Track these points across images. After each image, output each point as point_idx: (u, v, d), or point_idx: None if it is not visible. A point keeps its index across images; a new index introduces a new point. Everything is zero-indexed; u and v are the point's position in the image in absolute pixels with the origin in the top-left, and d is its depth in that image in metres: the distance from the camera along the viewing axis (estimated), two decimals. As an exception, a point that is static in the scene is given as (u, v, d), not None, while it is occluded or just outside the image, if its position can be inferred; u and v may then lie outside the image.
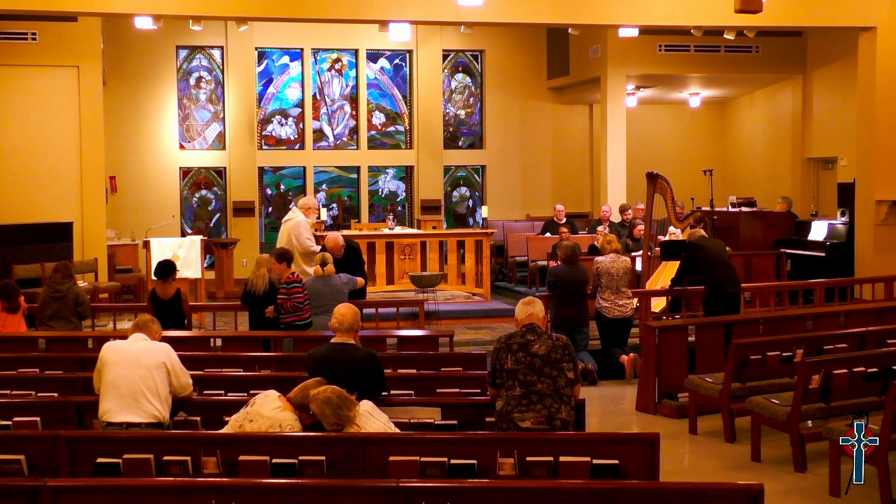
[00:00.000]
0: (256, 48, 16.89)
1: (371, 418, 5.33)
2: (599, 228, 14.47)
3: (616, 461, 4.97)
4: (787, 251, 14.16)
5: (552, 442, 5.12)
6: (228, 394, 6.63)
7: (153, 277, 9.92)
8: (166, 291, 9.33)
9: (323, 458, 5.02)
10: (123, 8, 11.41)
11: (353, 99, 17.60)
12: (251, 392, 6.63)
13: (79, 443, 5.22)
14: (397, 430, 5.42)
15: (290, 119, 17.43)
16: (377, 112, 17.75)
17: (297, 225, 10.95)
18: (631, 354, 9.87)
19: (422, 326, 11.02)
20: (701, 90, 17.65)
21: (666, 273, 11.92)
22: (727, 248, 10.68)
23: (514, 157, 18.15)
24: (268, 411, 5.34)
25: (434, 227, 15.53)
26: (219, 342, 9.12)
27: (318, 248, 10.64)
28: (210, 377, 7.02)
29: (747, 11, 9.56)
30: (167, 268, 9.40)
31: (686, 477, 6.91)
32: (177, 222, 16.51)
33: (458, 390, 6.56)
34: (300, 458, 5.02)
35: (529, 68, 18.05)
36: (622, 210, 14.79)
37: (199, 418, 6.08)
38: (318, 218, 11.20)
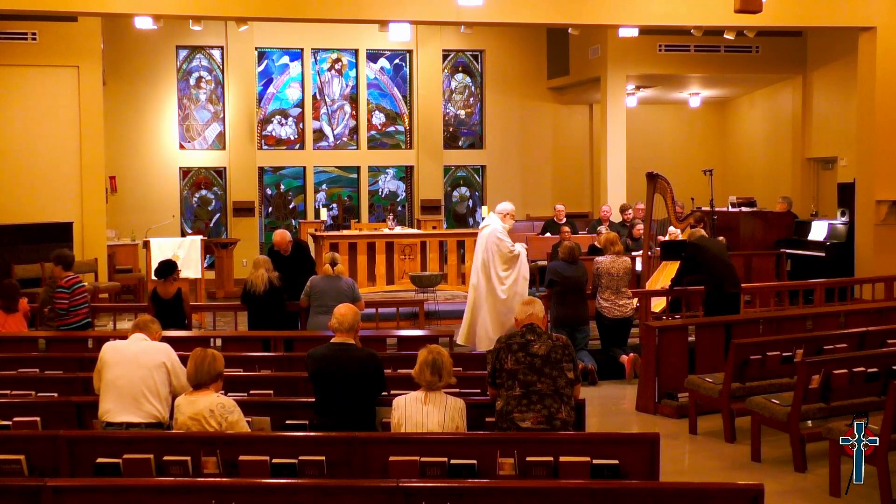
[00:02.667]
0: (256, 48, 16.89)
1: (445, 408, 5.42)
2: (600, 228, 14.45)
3: (616, 461, 4.97)
4: (787, 251, 14.15)
5: (552, 442, 5.12)
6: (228, 394, 6.61)
7: (154, 277, 9.91)
8: (167, 291, 9.32)
9: (323, 458, 5.03)
10: (123, 8, 11.40)
11: (353, 99, 17.60)
12: (251, 392, 6.65)
13: (79, 443, 5.22)
14: (462, 429, 5.47)
15: (290, 119, 17.43)
16: (377, 112, 17.76)
17: (494, 232, 10.69)
18: (631, 354, 9.87)
19: (422, 326, 11.02)
20: (701, 90, 17.65)
21: (666, 273, 11.91)
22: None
23: (514, 157, 18.15)
24: (190, 413, 5.38)
25: (434, 227, 15.53)
26: (219, 342, 9.12)
27: (517, 251, 10.36)
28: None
29: (747, 11, 9.56)
30: (167, 267, 9.39)
31: (686, 477, 6.90)
32: (177, 222, 16.51)
33: (458, 390, 6.55)
34: (300, 458, 5.02)
35: (529, 68, 18.05)
36: (622, 210, 14.78)
37: (199, 418, 6.07)
38: (513, 221, 11.02)
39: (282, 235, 10.35)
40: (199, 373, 5.46)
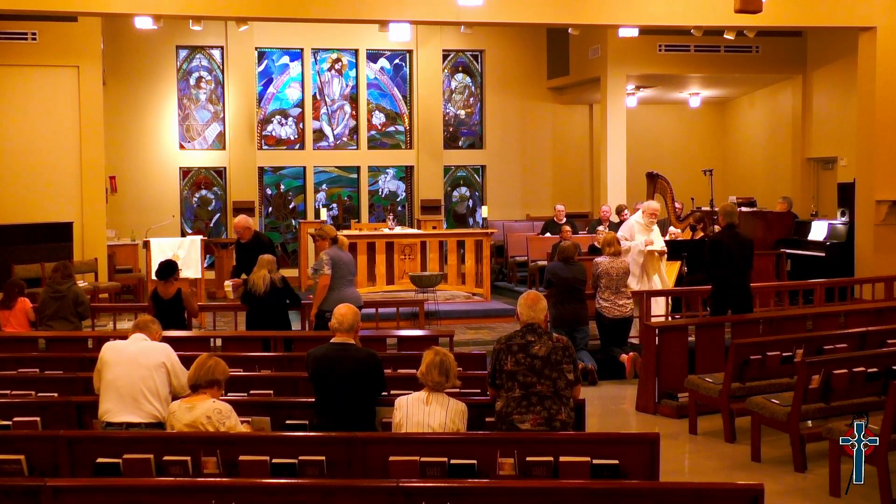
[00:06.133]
0: (256, 48, 16.89)
1: (447, 409, 5.44)
2: (599, 228, 14.46)
3: (616, 461, 4.97)
4: (787, 251, 14.15)
5: (552, 442, 5.12)
6: (228, 394, 6.61)
7: (153, 277, 9.94)
8: (167, 291, 9.37)
9: (323, 458, 5.02)
10: (123, 8, 11.41)
11: (353, 99, 17.60)
12: (251, 392, 6.65)
13: (79, 443, 5.22)
14: (463, 431, 5.47)
15: (290, 119, 17.43)
16: (377, 112, 17.76)
17: (626, 223, 11.74)
18: (631, 353, 9.87)
19: (422, 326, 11.02)
20: (701, 90, 17.65)
21: (666, 273, 11.91)
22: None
23: (514, 157, 18.15)
24: (187, 421, 5.32)
25: (434, 227, 15.54)
26: (219, 342, 9.12)
27: (623, 246, 10.90)
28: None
29: (747, 11, 9.56)
30: (167, 269, 9.42)
31: (686, 477, 6.90)
32: (177, 222, 16.51)
33: (458, 390, 6.55)
34: (300, 458, 5.02)
35: (529, 68, 18.05)
36: (618, 211, 14.76)
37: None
38: (654, 218, 11.37)
39: (244, 220, 10.23)
40: (197, 376, 5.44)
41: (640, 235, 11.22)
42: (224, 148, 16.83)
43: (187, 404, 5.39)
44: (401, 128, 17.87)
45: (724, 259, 9.46)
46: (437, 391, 5.50)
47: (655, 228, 11.43)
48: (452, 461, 4.98)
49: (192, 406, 5.36)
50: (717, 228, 12.93)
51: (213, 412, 5.30)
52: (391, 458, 4.99)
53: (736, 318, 9.37)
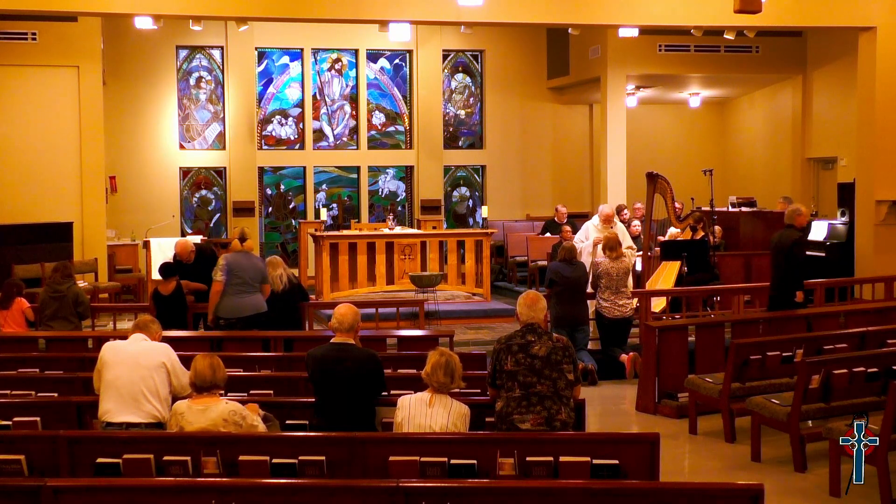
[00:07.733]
0: (256, 48, 16.89)
1: (450, 411, 5.43)
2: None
3: (616, 461, 4.97)
4: (788, 251, 14.12)
5: (552, 442, 5.12)
6: (228, 394, 6.62)
7: (155, 276, 10.05)
8: (167, 288, 9.55)
9: (323, 458, 5.02)
10: (123, 8, 11.40)
11: (353, 99, 17.60)
12: (251, 392, 6.65)
13: (79, 443, 5.22)
14: (465, 431, 5.46)
15: (290, 119, 17.43)
16: (377, 112, 17.76)
17: (584, 225, 12.13)
18: (631, 353, 9.87)
19: (422, 326, 11.01)
20: (701, 90, 17.65)
21: (666, 273, 11.92)
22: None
23: (514, 157, 18.15)
24: (202, 423, 5.26)
25: (434, 227, 15.53)
26: (219, 342, 9.11)
27: (582, 245, 11.14)
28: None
29: (747, 12, 9.55)
30: (169, 268, 9.60)
31: (686, 477, 6.91)
32: (177, 222, 16.51)
33: (457, 390, 6.54)
34: (300, 458, 5.02)
35: (529, 68, 18.05)
36: (617, 211, 14.73)
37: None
38: (615, 224, 11.72)
39: (182, 246, 10.36)
40: (213, 375, 5.35)
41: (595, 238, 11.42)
42: (224, 148, 16.83)
43: (198, 406, 5.31)
44: (401, 128, 17.87)
45: (773, 255, 9.59)
46: (441, 392, 5.49)
47: (622, 230, 11.58)
48: (452, 461, 4.98)
49: (205, 408, 5.29)
50: (716, 228, 13.06)
51: (229, 413, 5.27)
52: (391, 458, 4.99)
53: (734, 318, 9.36)
